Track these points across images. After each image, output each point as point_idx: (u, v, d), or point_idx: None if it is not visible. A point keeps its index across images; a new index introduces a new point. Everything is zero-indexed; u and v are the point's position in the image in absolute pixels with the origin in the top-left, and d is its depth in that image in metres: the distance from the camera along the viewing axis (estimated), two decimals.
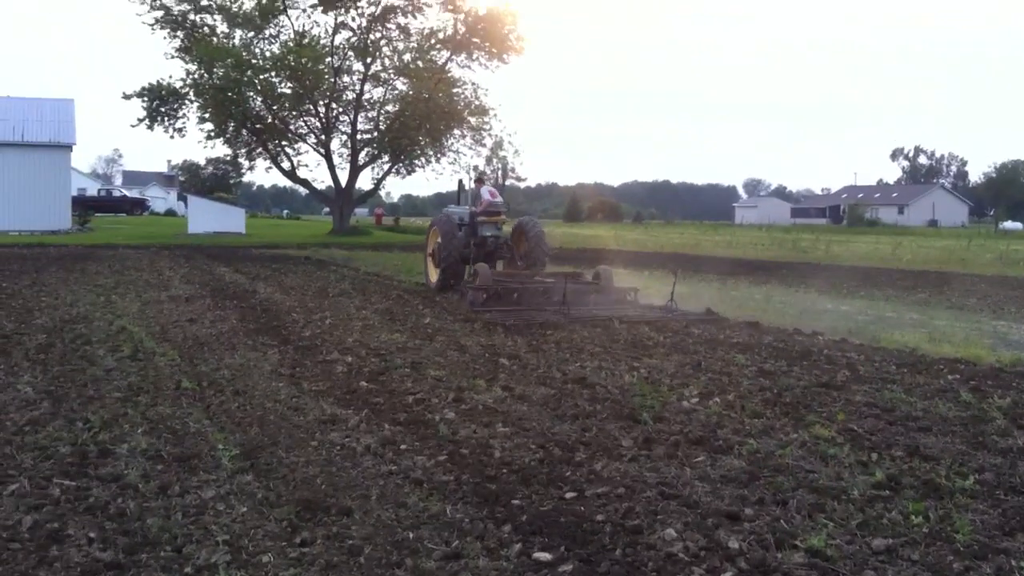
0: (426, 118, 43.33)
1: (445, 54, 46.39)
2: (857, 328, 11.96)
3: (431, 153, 47.39)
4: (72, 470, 5.22)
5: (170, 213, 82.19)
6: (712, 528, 4.51)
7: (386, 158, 48.10)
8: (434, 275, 16.19)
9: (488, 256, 15.51)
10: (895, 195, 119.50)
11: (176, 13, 43.57)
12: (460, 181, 18.05)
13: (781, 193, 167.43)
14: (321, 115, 45.74)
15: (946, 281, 20.59)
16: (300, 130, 47.00)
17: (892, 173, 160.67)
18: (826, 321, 12.68)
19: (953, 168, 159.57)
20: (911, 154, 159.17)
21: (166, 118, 43.72)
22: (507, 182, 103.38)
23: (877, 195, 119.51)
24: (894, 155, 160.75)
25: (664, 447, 5.92)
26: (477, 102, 46.01)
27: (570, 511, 4.74)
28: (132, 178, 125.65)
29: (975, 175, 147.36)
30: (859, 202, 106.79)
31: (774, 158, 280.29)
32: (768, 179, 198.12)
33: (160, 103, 43.26)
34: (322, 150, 46.72)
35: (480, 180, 16.83)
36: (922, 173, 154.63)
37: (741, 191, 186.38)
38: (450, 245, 15.28)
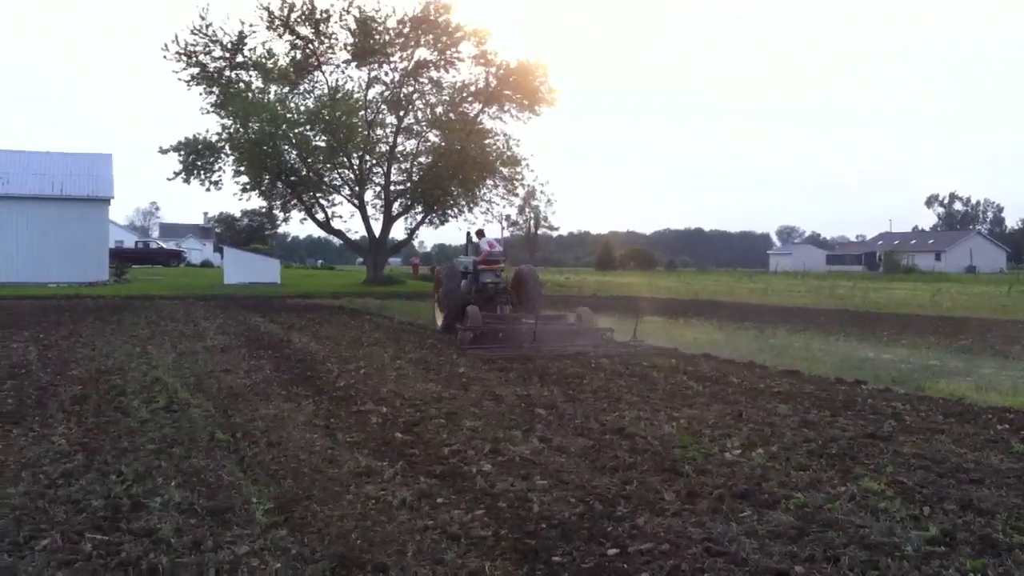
0: (458, 169, 43.67)
1: (477, 106, 46.86)
2: (901, 377, 11.71)
3: (464, 203, 47.74)
4: (104, 524, 5.13)
5: (206, 264, 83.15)
6: None
7: (419, 208, 48.43)
8: (439, 318, 17.99)
9: (489, 300, 17.05)
10: (931, 241, 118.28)
11: (212, 70, 44.28)
12: (468, 233, 19.53)
13: (816, 240, 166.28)
14: (355, 167, 46.14)
15: (988, 328, 20.19)
16: (334, 182, 47.44)
17: (927, 220, 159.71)
18: (868, 370, 12.44)
19: (989, 214, 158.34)
20: (946, 200, 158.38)
21: (202, 171, 44.24)
22: (539, 231, 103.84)
23: (913, 241, 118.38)
24: (929, 202, 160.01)
25: (708, 501, 5.74)
26: (509, 153, 46.36)
27: (613, 569, 4.59)
28: (169, 230, 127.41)
29: (1012, 220, 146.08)
30: (895, 249, 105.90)
31: (807, 205, 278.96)
32: (802, 226, 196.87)
33: (196, 157, 43.82)
34: (356, 201, 47.09)
35: (480, 233, 18.52)
36: (958, 219, 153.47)
37: (775, 239, 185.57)
38: (452, 291, 17.18)
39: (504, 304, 17.10)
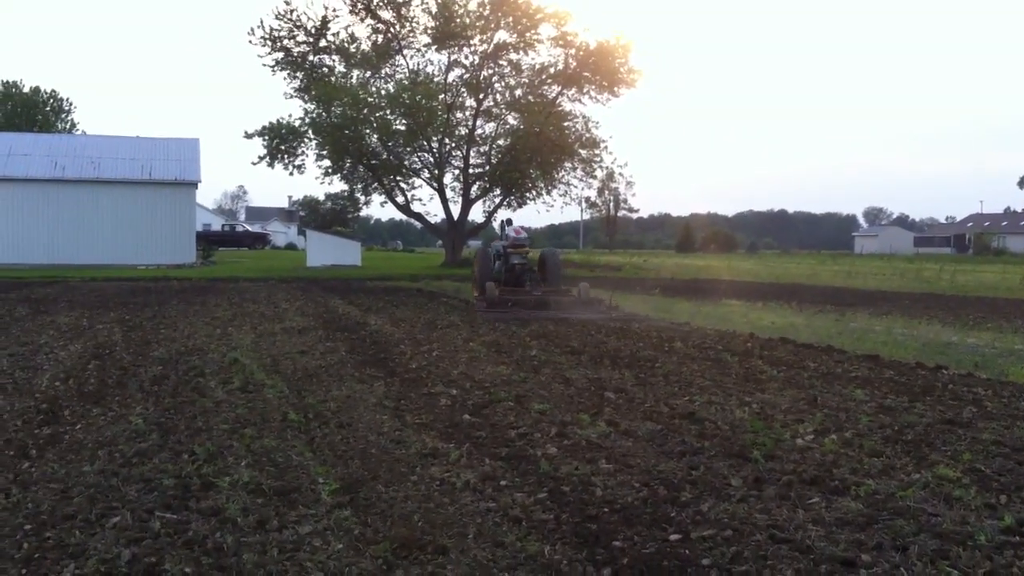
0: (537, 151, 43.60)
1: (556, 88, 46.71)
2: (984, 362, 11.36)
3: (542, 186, 47.67)
4: (174, 503, 5.24)
5: (290, 247, 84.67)
6: (826, 575, 4.25)
7: (497, 191, 48.51)
8: (474, 293, 20.74)
9: (517, 279, 19.76)
10: None
11: (296, 55, 44.94)
12: (502, 222, 22.74)
13: (903, 222, 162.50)
14: (434, 150, 46.41)
15: None
16: (414, 165, 47.83)
17: (1020, 200, 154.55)
18: (951, 354, 12.10)
19: None
20: None
21: (286, 156, 45.00)
22: (619, 213, 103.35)
23: (1005, 223, 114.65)
24: (1022, 182, 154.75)
25: (776, 487, 5.64)
26: (588, 135, 46.17)
27: (674, 554, 4.53)
28: (255, 213, 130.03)
29: None
30: (986, 231, 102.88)
31: (896, 185, 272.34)
32: (890, 208, 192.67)
33: (280, 141, 44.57)
34: (435, 184, 47.40)
35: (510, 222, 21.91)
36: None
37: (861, 220, 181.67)
38: (483, 271, 20.15)
39: (529, 281, 19.61)
